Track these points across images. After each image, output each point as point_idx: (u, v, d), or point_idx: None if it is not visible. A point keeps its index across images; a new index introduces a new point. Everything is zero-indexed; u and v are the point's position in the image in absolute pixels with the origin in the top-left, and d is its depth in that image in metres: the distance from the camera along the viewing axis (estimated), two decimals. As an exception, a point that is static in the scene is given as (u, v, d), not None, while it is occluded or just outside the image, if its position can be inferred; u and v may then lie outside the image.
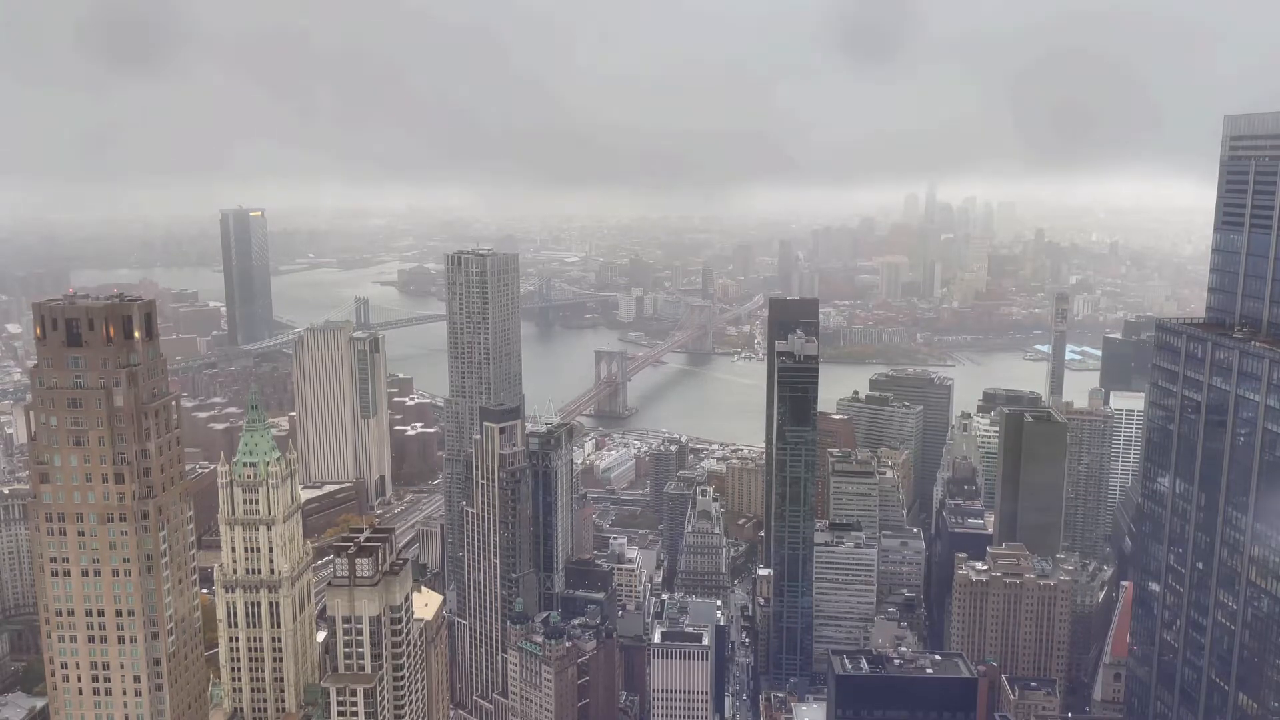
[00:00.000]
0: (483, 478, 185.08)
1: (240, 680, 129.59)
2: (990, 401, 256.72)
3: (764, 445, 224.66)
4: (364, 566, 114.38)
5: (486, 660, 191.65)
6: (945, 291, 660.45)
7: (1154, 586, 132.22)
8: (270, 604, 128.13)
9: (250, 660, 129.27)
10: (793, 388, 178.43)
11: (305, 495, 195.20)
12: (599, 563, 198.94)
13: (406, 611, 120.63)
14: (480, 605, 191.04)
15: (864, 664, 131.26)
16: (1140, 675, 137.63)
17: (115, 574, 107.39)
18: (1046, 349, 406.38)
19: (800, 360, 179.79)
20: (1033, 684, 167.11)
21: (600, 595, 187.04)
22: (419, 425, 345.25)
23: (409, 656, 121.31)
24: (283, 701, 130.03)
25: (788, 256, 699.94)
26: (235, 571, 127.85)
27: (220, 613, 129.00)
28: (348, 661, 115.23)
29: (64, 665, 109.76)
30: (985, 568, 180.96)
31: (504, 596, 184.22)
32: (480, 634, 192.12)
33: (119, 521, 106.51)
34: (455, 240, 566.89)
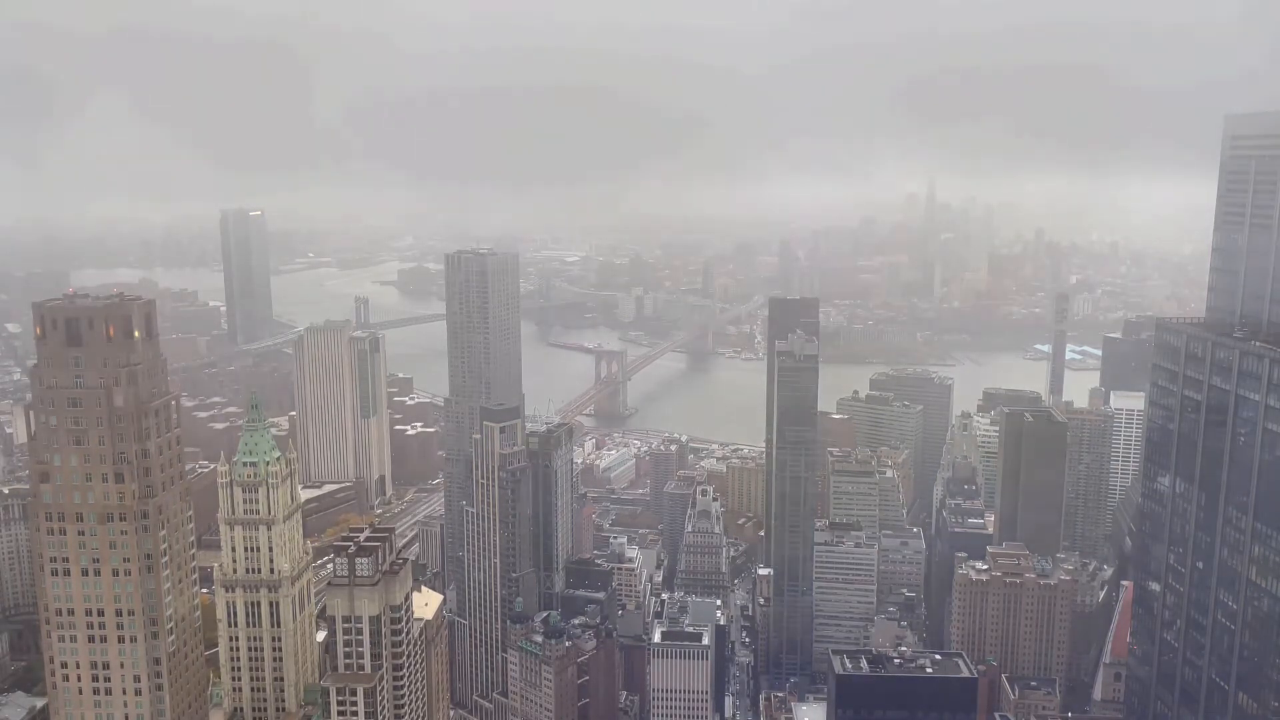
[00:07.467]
0: (483, 477, 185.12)
1: (240, 680, 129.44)
2: (990, 401, 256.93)
3: (764, 445, 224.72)
4: (364, 566, 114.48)
5: (486, 660, 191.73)
6: (945, 291, 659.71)
7: (1154, 586, 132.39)
8: (270, 604, 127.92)
9: (250, 660, 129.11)
10: (793, 387, 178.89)
11: (305, 495, 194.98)
12: (599, 562, 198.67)
13: (406, 611, 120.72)
14: (480, 605, 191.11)
15: (864, 664, 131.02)
16: (1140, 675, 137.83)
17: (115, 574, 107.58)
18: (1046, 349, 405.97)
19: (800, 360, 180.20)
20: (1033, 684, 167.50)
21: (600, 595, 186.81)
22: (419, 425, 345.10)
23: (409, 656, 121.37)
24: (283, 701, 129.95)
25: (788, 256, 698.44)
26: (235, 571, 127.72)
27: (220, 612, 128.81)
28: (348, 661, 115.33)
29: (64, 665, 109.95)
30: (985, 567, 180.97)
31: (504, 596, 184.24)
32: (480, 634, 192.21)
33: (119, 521, 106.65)
34: (455, 240, 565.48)
